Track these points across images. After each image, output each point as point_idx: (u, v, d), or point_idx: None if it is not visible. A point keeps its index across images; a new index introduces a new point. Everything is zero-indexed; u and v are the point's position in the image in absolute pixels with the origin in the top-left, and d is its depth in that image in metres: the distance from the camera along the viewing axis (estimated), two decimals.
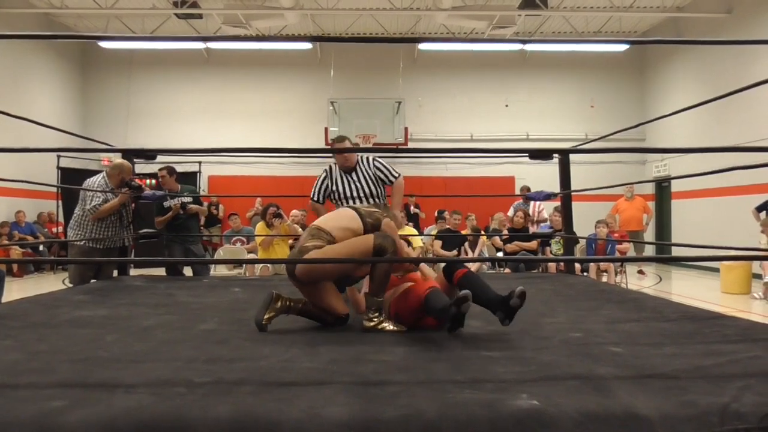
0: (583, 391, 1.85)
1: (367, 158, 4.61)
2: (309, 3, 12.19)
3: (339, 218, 3.14)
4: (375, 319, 2.94)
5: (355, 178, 4.53)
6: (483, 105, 14.17)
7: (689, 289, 8.94)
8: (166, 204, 5.88)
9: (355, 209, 3.19)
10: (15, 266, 10.62)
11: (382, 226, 3.09)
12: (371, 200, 4.47)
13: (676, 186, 12.70)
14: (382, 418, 1.66)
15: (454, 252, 7.87)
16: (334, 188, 4.56)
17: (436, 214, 9.92)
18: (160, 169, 6.11)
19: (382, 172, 4.61)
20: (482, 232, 8.58)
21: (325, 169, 4.69)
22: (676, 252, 11.59)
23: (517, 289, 2.66)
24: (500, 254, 8.12)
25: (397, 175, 4.65)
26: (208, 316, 3.35)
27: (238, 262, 9.07)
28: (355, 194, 4.50)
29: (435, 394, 1.84)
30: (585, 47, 13.69)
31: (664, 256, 13.08)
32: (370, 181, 4.54)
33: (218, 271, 9.09)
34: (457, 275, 2.96)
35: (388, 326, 2.93)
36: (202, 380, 2.00)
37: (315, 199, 4.66)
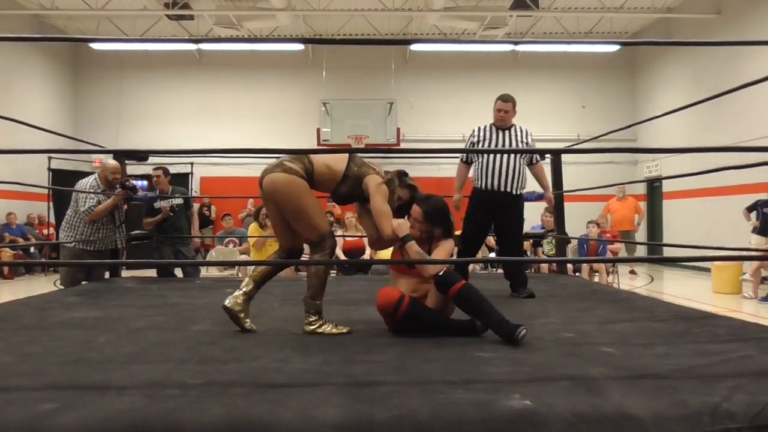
0: (575, 392, 1.86)
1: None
2: (301, 4, 12.18)
3: (332, 156, 3.12)
4: (315, 323, 2.89)
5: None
6: (475, 106, 14.14)
7: (681, 289, 8.99)
8: (156, 205, 5.85)
9: (352, 156, 3.12)
10: (6, 268, 10.53)
11: (364, 181, 3.04)
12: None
13: (667, 186, 12.77)
14: (375, 419, 1.66)
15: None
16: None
17: None
18: (154, 169, 6.09)
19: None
20: None
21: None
22: (667, 252, 11.65)
23: (521, 333, 2.58)
24: (493, 255, 8.13)
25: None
26: (201, 318, 3.33)
27: (230, 264, 9.05)
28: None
29: (427, 395, 1.84)
30: (576, 48, 13.77)
31: (656, 257, 13.14)
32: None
33: (210, 272, 9.06)
34: (454, 289, 2.77)
35: (329, 328, 2.87)
36: (194, 382, 2.00)
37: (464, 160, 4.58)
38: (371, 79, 14.22)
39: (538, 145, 4.73)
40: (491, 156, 4.25)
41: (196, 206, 11.40)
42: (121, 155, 5.53)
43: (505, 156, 4.22)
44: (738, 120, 10.15)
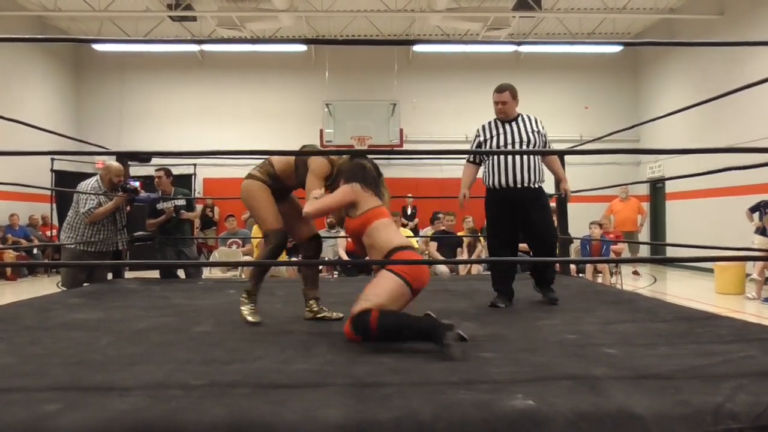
0: (577, 391, 1.86)
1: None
2: (303, 5, 12.19)
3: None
4: (243, 300, 3.23)
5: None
6: (478, 106, 14.08)
7: (684, 290, 8.97)
8: (159, 206, 5.86)
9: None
10: (8, 269, 10.56)
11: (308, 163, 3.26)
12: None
13: (670, 187, 12.75)
14: (377, 420, 1.66)
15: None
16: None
17: (431, 215, 9.92)
18: (156, 170, 6.10)
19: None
20: (479, 234, 8.59)
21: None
22: (670, 253, 11.62)
23: (446, 336, 2.39)
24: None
25: None
26: (203, 319, 3.34)
27: (232, 264, 9.05)
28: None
29: (429, 395, 1.84)
30: (579, 49, 13.75)
31: (659, 257, 13.11)
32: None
33: (213, 273, 9.07)
34: (371, 326, 2.56)
35: (245, 312, 3.19)
36: (197, 382, 2.00)
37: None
38: (374, 80, 14.22)
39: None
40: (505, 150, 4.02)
41: (198, 207, 11.43)
42: (124, 157, 5.54)
43: (517, 147, 3.96)
44: (741, 120, 10.13)
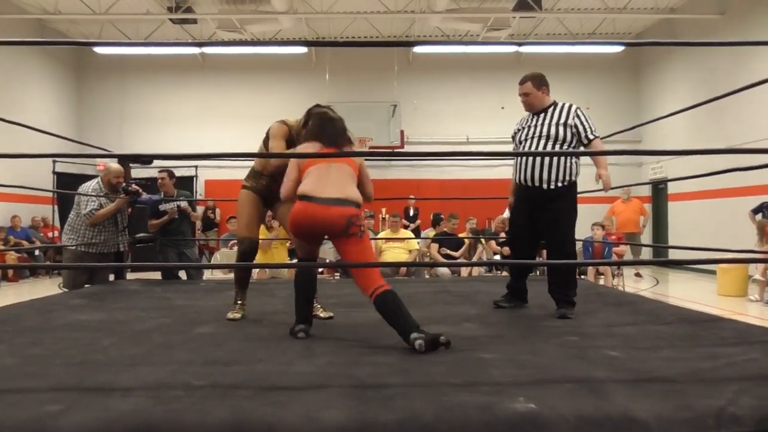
0: (579, 394, 1.86)
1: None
2: (303, 7, 12.19)
3: None
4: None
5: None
6: (479, 107, 14.19)
7: (686, 292, 8.96)
8: (161, 207, 5.87)
9: None
10: (10, 271, 10.56)
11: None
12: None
13: (672, 188, 12.73)
14: (379, 421, 1.66)
15: (458, 253, 7.86)
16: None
17: (431, 217, 9.92)
18: (159, 172, 6.11)
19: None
20: (480, 236, 8.59)
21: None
22: (672, 254, 11.61)
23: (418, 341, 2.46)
24: (497, 257, 8.12)
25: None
26: (205, 320, 3.34)
27: (234, 266, 9.04)
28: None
29: (431, 397, 1.84)
30: (580, 49, 13.74)
31: (661, 259, 13.10)
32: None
33: (215, 274, 9.07)
34: (375, 294, 2.63)
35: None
36: (198, 383, 2.00)
37: None
38: (374, 82, 14.23)
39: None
40: (523, 147, 3.74)
41: (200, 209, 11.42)
42: (126, 159, 5.55)
43: (535, 145, 3.66)
44: (743, 121, 10.12)
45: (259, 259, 7.21)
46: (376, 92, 13.95)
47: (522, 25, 13.30)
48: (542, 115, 3.72)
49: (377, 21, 13.19)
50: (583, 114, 3.69)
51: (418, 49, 13.93)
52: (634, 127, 5.04)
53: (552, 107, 3.73)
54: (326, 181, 2.83)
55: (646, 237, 12.62)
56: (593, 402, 1.78)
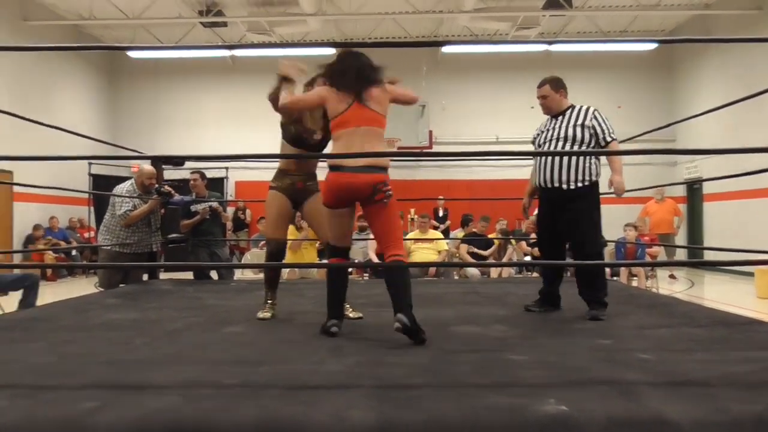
0: (610, 397, 1.83)
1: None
2: (331, 9, 12.25)
3: None
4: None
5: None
6: (508, 107, 14.07)
7: (722, 294, 8.74)
8: (193, 208, 5.96)
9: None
10: (48, 270, 10.86)
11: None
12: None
13: (707, 188, 12.45)
14: (406, 422, 1.66)
15: (487, 252, 7.80)
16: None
17: (461, 218, 9.86)
18: (192, 173, 6.22)
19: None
20: (510, 236, 8.51)
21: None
22: (708, 256, 11.34)
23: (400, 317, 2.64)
24: (528, 258, 8.04)
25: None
26: (235, 320, 3.38)
27: (263, 266, 9.13)
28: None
29: (459, 398, 1.83)
30: (611, 47, 13.52)
31: (696, 260, 12.80)
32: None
33: (245, 274, 9.18)
34: (390, 257, 2.84)
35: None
36: (229, 382, 2.03)
37: None
38: (402, 82, 14.20)
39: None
40: (543, 149, 3.78)
41: (230, 210, 11.56)
42: (158, 160, 5.65)
43: (554, 147, 3.69)
44: None
45: (288, 259, 7.27)
46: None
47: (552, 23, 13.15)
48: (560, 118, 3.76)
49: (405, 21, 13.18)
50: (600, 115, 3.71)
51: (446, 49, 13.88)
52: (666, 126, 4.94)
53: (569, 110, 3.77)
54: (351, 148, 2.88)
55: (681, 238, 12.36)
56: (625, 404, 1.75)
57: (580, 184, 3.62)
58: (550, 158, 3.68)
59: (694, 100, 13.04)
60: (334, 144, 2.97)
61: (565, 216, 3.66)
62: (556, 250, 3.83)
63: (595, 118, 3.67)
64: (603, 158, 3.74)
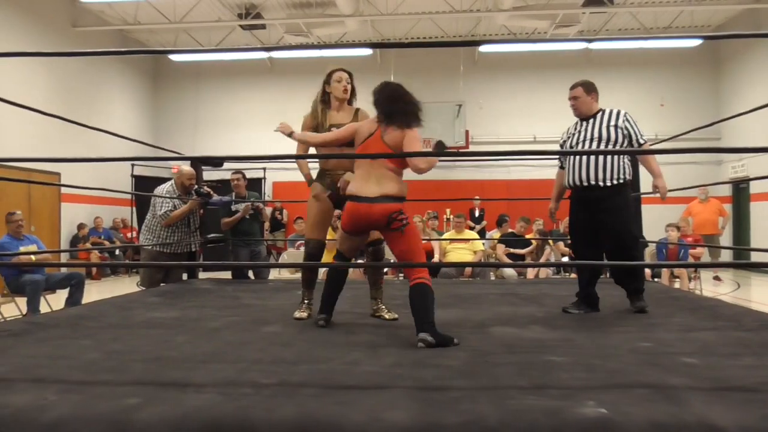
0: (653, 401, 1.78)
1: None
2: (369, 9, 12.30)
3: None
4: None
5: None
6: (546, 106, 13.87)
7: None
8: (233, 207, 6.05)
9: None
10: (93, 269, 11.20)
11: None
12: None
13: (755, 187, 12.05)
14: (443, 424, 1.65)
15: (525, 251, 7.71)
16: None
17: (497, 218, 9.77)
18: (234, 173, 6.34)
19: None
20: (548, 237, 8.40)
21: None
22: (755, 257, 10.99)
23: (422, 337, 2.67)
24: (566, 259, 7.92)
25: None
26: (273, 319, 3.42)
27: (299, 266, 9.21)
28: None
29: (497, 400, 1.81)
30: (654, 44, 13.20)
31: (742, 261, 12.40)
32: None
33: (282, 274, 9.28)
34: (413, 281, 2.83)
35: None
36: (267, 381, 2.05)
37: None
38: (439, 82, 14.17)
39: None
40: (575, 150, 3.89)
41: (268, 210, 11.70)
42: (198, 161, 5.75)
43: (587, 147, 3.78)
44: None
45: (325, 259, 7.32)
46: (441, 92, 13.88)
47: (592, 20, 12.91)
48: (591, 121, 3.85)
49: (442, 21, 13.14)
50: (632, 119, 3.81)
51: (483, 49, 13.78)
52: (711, 124, 4.79)
53: (600, 113, 3.86)
54: (368, 178, 3.01)
55: (726, 239, 12.00)
56: (668, 408, 1.71)
57: (615, 182, 3.71)
58: (584, 157, 3.78)
59: (740, 98, 12.64)
60: (355, 171, 3.13)
61: (600, 214, 3.73)
62: (592, 250, 3.85)
63: (627, 120, 3.78)
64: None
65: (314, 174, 3.76)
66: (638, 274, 3.81)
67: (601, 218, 3.74)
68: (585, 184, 3.75)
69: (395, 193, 2.97)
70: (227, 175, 6.50)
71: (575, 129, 3.95)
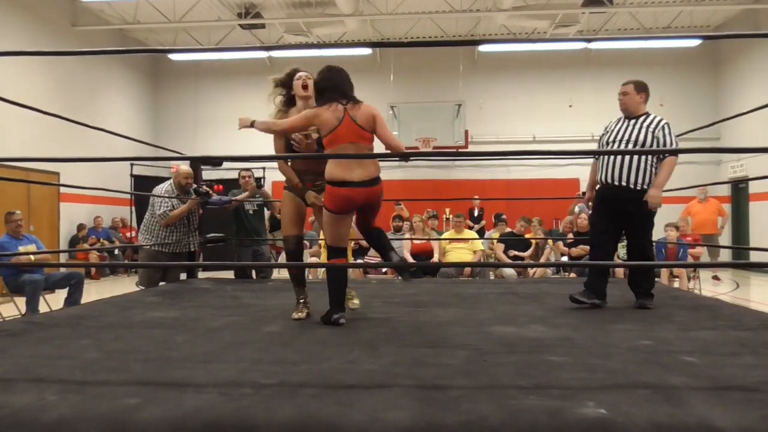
0: (653, 401, 1.78)
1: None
2: (368, 9, 12.29)
3: None
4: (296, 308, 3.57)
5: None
6: (545, 106, 13.89)
7: None
8: (235, 196, 6.07)
9: None
10: (93, 269, 11.18)
11: None
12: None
13: (754, 187, 12.06)
14: (444, 424, 1.65)
15: (525, 255, 7.72)
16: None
17: (493, 217, 9.78)
18: (245, 171, 6.36)
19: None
20: (547, 236, 8.40)
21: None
22: (754, 256, 11.00)
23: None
24: (565, 259, 7.92)
25: None
26: (273, 319, 3.42)
27: (297, 266, 9.21)
28: None
29: (498, 400, 1.81)
30: (654, 44, 13.20)
31: (741, 261, 12.41)
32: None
33: (282, 274, 9.27)
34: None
35: (295, 314, 3.46)
36: (267, 381, 2.05)
37: None
38: (439, 82, 14.17)
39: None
40: (611, 148, 3.91)
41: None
42: (197, 161, 5.75)
43: (620, 147, 3.82)
44: None
45: (324, 258, 7.32)
46: (441, 92, 13.89)
47: (592, 20, 12.91)
48: (633, 121, 3.88)
49: (442, 20, 13.14)
50: (670, 130, 3.82)
51: (483, 48, 13.78)
52: (711, 125, 4.80)
53: (644, 116, 3.89)
54: (350, 162, 3.10)
55: (725, 238, 12.00)
56: (668, 409, 1.71)
57: (646, 186, 3.77)
58: (618, 158, 3.81)
59: (740, 98, 12.65)
60: (331, 162, 3.16)
61: (631, 215, 3.82)
62: (612, 246, 4.02)
63: (663, 129, 3.80)
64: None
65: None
66: (650, 277, 3.91)
67: (625, 219, 3.85)
68: (616, 183, 3.80)
69: (378, 172, 3.18)
70: (227, 175, 6.50)
71: (616, 125, 3.97)
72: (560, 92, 13.67)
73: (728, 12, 12.62)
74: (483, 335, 2.87)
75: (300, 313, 3.48)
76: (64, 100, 11.27)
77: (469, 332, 2.91)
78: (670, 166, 3.82)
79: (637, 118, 3.88)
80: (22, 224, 6.08)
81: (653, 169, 3.77)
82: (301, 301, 3.57)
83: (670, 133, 3.79)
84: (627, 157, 3.77)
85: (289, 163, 3.65)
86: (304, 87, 3.54)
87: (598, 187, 4.01)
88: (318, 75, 3.28)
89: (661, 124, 3.81)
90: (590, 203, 4.22)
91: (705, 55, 13.82)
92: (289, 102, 3.68)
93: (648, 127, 3.80)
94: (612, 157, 3.82)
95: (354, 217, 3.31)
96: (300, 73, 3.62)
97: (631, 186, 3.75)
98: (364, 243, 7.42)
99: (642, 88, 3.93)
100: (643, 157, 3.75)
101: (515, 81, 14.21)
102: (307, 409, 1.75)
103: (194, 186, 5.44)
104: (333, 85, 3.19)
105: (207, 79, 15.00)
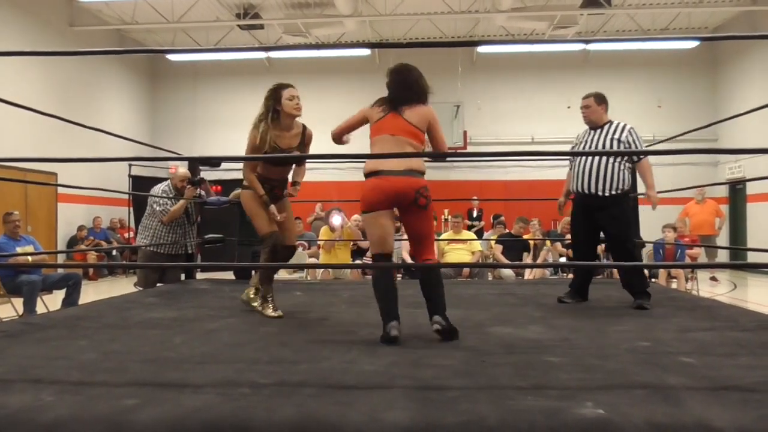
0: (651, 401, 1.79)
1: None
2: (367, 9, 12.29)
3: None
4: (256, 302, 3.61)
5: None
6: (544, 107, 13.91)
7: (767, 297, 8.47)
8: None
9: None
10: (90, 270, 11.17)
11: None
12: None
13: (751, 188, 12.08)
14: (443, 424, 1.65)
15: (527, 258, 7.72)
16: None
17: (491, 217, 9.77)
18: None
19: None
20: (545, 237, 8.40)
21: None
22: (751, 257, 11.02)
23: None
24: (563, 259, 7.93)
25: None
26: (270, 319, 3.42)
27: (297, 267, 9.22)
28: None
29: (496, 400, 1.81)
30: (652, 45, 13.23)
31: (739, 262, 12.43)
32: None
33: (280, 274, 9.27)
34: (426, 259, 3.00)
35: (269, 311, 3.48)
36: (265, 381, 2.05)
37: None
38: (438, 82, 13.96)
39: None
40: (580, 158, 4.10)
41: None
42: (196, 162, 5.75)
43: (588, 158, 4.02)
44: None
45: (322, 259, 7.33)
46: (440, 93, 13.76)
47: (590, 22, 12.93)
48: (598, 131, 4.11)
49: (441, 21, 13.14)
50: (636, 134, 4.04)
51: (482, 49, 13.80)
52: (709, 125, 4.81)
53: (608, 125, 4.12)
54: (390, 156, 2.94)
55: (723, 239, 12.03)
56: (666, 409, 1.71)
57: (614, 192, 3.96)
58: (586, 167, 4.02)
59: (737, 99, 12.67)
60: (372, 149, 3.04)
61: (602, 220, 4.04)
62: (590, 250, 4.25)
63: (631, 134, 4.01)
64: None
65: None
66: (641, 277, 4.02)
67: (601, 225, 4.07)
68: (586, 192, 4.02)
69: (421, 168, 2.94)
70: (225, 176, 6.49)
71: (584, 136, 4.20)
72: (559, 93, 13.67)
73: (726, 13, 12.65)
74: (481, 336, 2.88)
75: (278, 311, 3.49)
76: (62, 100, 11.26)
77: (467, 333, 2.91)
78: (649, 167, 4.06)
79: (601, 127, 4.10)
80: (20, 225, 6.07)
81: (621, 174, 3.95)
82: (270, 297, 3.57)
83: (638, 137, 4.03)
84: (594, 167, 3.97)
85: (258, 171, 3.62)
86: (298, 108, 3.70)
87: (572, 196, 4.26)
88: (388, 74, 3.38)
89: (627, 128, 4.03)
90: (561, 208, 4.45)
91: (703, 57, 13.85)
92: (274, 113, 3.62)
93: (613, 134, 4.02)
94: (581, 166, 4.04)
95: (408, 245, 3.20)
96: (292, 91, 3.68)
97: (599, 193, 3.96)
98: (362, 244, 7.45)
99: (602, 100, 4.19)
100: (610, 165, 3.94)
101: (514, 82, 14.22)
102: (306, 409, 1.75)
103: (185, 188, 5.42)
104: (393, 85, 3.28)
105: (205, 79, 15.00)
